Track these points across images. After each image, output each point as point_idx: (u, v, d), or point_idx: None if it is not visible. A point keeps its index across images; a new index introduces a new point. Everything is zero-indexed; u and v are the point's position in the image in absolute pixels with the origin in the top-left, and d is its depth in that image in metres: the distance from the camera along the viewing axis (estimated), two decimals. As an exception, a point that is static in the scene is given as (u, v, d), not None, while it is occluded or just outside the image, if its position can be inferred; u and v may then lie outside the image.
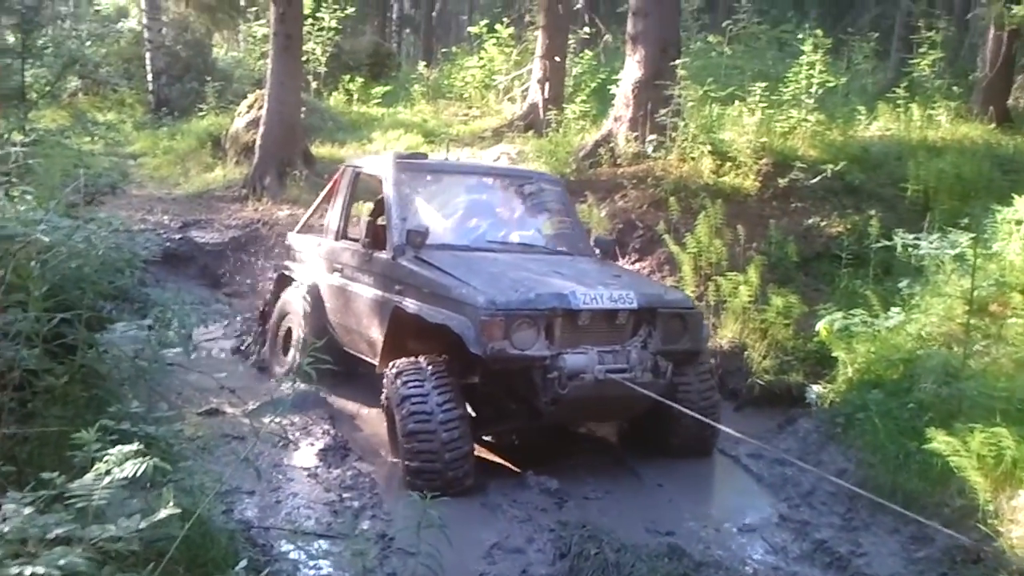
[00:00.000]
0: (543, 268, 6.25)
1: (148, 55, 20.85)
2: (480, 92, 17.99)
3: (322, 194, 8.34)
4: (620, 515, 5.37)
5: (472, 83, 18.25)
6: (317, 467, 6.19)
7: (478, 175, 7.58)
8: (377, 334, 6.52)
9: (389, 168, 6.93)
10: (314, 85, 18.81)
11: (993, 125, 11.43)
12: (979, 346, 6.21)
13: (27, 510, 2.19)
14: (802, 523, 5.31)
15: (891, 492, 5.31)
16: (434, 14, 32.29)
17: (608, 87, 12.83)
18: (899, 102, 11.57)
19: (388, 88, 19.75)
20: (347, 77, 19.25)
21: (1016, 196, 7.28)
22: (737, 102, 10.99)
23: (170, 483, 2.64)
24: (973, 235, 6.93)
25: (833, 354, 6.96)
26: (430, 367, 5.72)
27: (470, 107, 17.77)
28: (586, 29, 19.29)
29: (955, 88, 12.32)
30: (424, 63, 21.87)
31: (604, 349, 5.74)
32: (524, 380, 5.71)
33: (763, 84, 10.63)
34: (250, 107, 15.78)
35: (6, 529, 2.08)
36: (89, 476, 2.42)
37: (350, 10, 19.90)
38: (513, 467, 6.10)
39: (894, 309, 7.04)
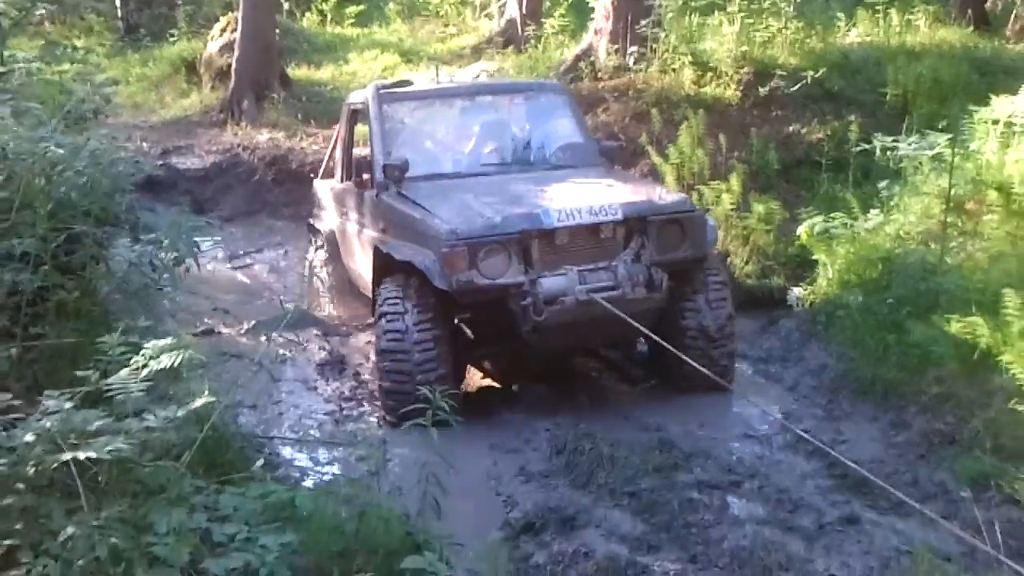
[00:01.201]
0: (529, 187, 5.90)
1: (115, -22, 20.33)
2: (456, 9, 17.74)
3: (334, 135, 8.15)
4: (612, 416, 5.59)
5: (448, 0, 17.98)
6: (316, 380, 6.37)
7: (470, 95, 7.14)
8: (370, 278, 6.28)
9: (371, 100, 6.56)
10: (286, 6, 18.47)
11: (971, 29, 11.46)
12: (955, 243, 6.41)
13: (68, 404, 2.32)
14: (785, 415, 5.54)
15: (871, 383, 5.56)
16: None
17: (586, 0, 12.71)
18: (878, 8, 11.55)
19: (362, 8, 19.43)
20: (320, -3, 18.91)
21: (994, 96, 7.39)
22: (717, 12, 10.95)
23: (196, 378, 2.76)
24: (951, 136, 7.06)
25: (814, 257, 7.15)
26: (412, 287, 5.50)
27: (447, 25, 17.55)
28: (562, -60, 18.93)
29: (934, -8, 12.30)
30: (399, -20, 21.44)
31: (588, 268, 5.37)
32: (503, 309, 5.37)
33: (743, -7, 10.59)
34: (223, 31, 15.51)
35: (48, 425, 2.21)
36: (124, 371, 2.55)
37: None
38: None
39: (873, 211, 7.20)
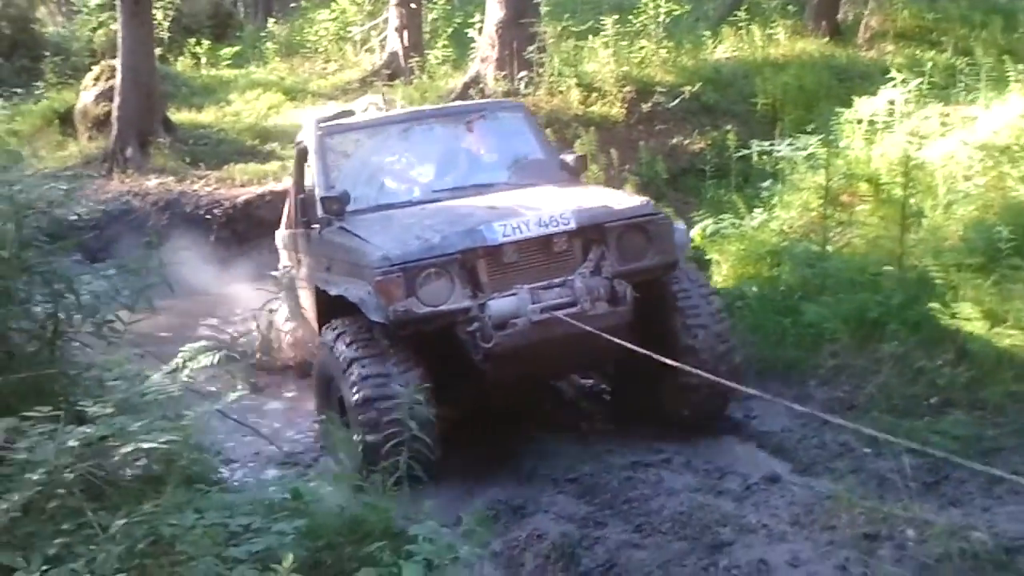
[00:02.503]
0: (477, 208, 5.35)
1: (-33, 35, 19.62)
2: (336, 45, 17.93)
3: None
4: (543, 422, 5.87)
5: (326, 36, 18.15)
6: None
7: (419, 120, 6.48)
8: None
9: (311, 135, 6.15)
10: (158, 51, 18.27)
11: (826, 39, 12.41)
12: (834, 232, 7.03)
13: (109, 409, 2.47)
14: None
15: (773, 363, 6.06)
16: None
17: (465, 31, 13.15)
18: (741, 24, 12.39)
19: (237, 49, 19.38)
20: (192, 41, 18.79)
21: (856, 98, 8.12)
22: (591, 36, 11.55)
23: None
24: (821, 136, 7.73)
25: (708, 256, 7.68)
26: (360, 324, 4.94)
27: (328, 61, 17.71)
28: (436, -25, 19.41)
29: (789, 7, 13.26)
30: (273, 20, 21.49)
31: (542, 285, 4.87)
32: (452, 340, 4.85)
33: (614, 17, 11.21)
34: (96, 79, 15.27)
35: (89, 431, 2.36)
36: (156, 376, 2.72)
37: (189, -29, 19.34)
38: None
39: (757, 210, 7.81)
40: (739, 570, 3.68)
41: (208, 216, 11.18)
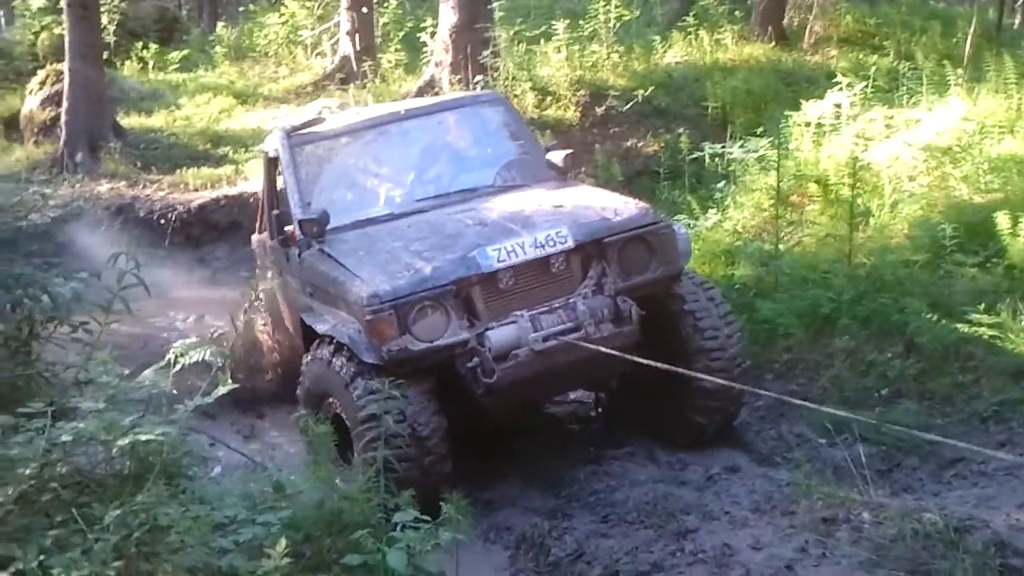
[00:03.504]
0: (465, 223, 5.00)
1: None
2: (287, 49, 17.86)
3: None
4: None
5: (276, 40, 18.07)
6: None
7: (395, 122, 5.96)
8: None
9: (281, 147, 5.67)
10: (104, 56, 18.04)
11: (772, 44, 12.69)
12: (785, 231, 7.24)
13: (101, 405, 2.51)
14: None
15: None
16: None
17: (417, 35, 13.20)
18: (689, 30, 12.63)
19: (185, 53, 19.21)
20: (139, 45, 18.60)
21: (804, 102, 8.36)
22: (545, 40, 11.69)
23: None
24: (771, 139, 7.95)
25: (664, 256, 7.83)
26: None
27: (279, 65, 17.63)
28: (388, -22, 19.43)
29: (736, 13, 13.53)
30: (222, 24, 21.32)
31: (542, 309, 4.63)
32: (451, 376, 4.61)
33: (566, 22, 11.37)
34: (42, 84, 15.06)
35: (81, 426, 2.39)
36: (148, 372, 2.75)
37: (135, -25, 19.12)
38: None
39: (711, 211, 8.00)
40: (704, 554, 3.82)
41: (162, 221, 11.09)
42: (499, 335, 4.53)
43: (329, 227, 5.21)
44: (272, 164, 6.18)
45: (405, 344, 4.42)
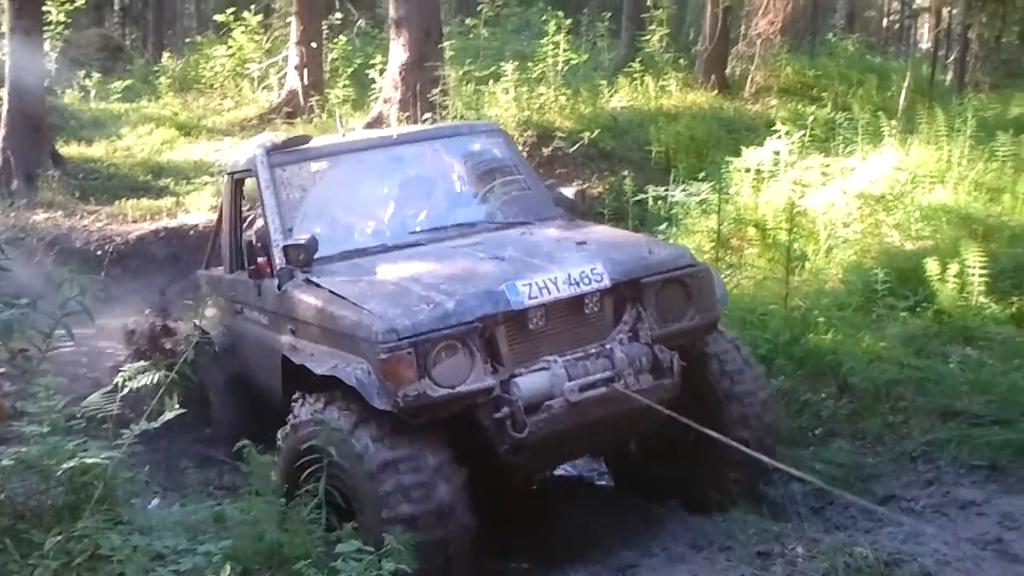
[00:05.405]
0: (478, 256, 4.53)
1: None
2: (233, 81, 17.80)
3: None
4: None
5: (223, 72, 18.01)
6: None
7: (387, 147, 5.53)
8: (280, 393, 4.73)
9: (259, 165, 5.06)
10: (45, 83, 17.79)
11: (715, 92, 13.06)
12: (726, 274, 7.40)
13: (45, 429, 2.47)
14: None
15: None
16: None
17: (366, 71, 13.30)
18: (635, 75, 12.94)
19: (128, 82, 19.03)
20: (81, 73, 18.39)
21: (744, 148, 8.61)
22: (494, 81, 11.88)
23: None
24: (712, 183, 8.16)
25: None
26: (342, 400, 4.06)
27: (224, 97, 17.56)
28: (338, 15, 19.56)
29: (681, 61, 13.91)
30: (167, 54, 21.17)
31: (576, 355, 4.12)
32: (471, 427, 4.02)
33: (515, 64, 11.57)
34: (-21, 109, 14.81)
35: (24, 450, 2.35)
36: (95, 396, 2.71)
37: (79, 1, 18.94)
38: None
39: (653, 252, 8.14)
40: (645, 589, 3.86)
41: (99, 252, 10.91)
42: (530, 383, 4.00)
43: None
44: (238, 186, 5.66)
45: (423, 389, 3.81)
